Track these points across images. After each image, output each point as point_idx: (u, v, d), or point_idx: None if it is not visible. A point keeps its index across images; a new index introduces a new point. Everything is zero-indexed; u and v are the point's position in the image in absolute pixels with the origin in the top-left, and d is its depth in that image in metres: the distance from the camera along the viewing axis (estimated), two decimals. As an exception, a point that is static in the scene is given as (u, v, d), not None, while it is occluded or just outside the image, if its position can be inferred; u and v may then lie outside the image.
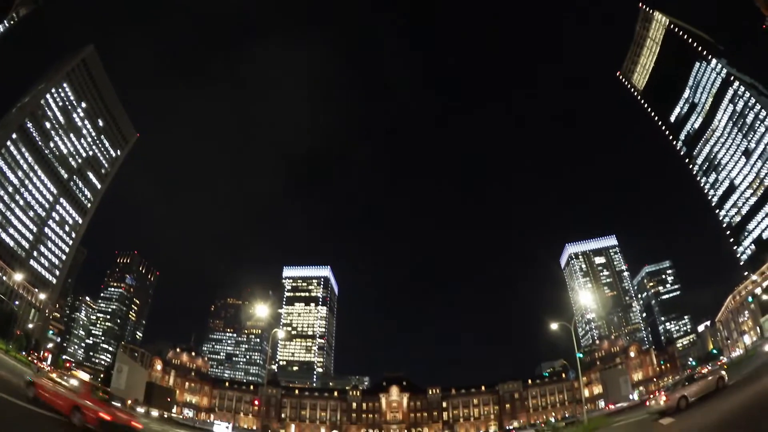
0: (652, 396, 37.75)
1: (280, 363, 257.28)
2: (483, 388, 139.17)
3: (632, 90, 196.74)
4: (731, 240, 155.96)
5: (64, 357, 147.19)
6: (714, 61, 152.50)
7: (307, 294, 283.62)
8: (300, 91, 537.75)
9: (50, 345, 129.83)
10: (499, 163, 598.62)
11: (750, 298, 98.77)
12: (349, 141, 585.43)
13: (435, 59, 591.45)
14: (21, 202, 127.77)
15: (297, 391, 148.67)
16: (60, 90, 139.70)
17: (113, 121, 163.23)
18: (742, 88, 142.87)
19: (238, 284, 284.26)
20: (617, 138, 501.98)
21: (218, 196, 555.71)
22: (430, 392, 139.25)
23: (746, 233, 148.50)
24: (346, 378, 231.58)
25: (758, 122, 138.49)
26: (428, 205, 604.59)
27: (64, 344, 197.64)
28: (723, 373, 25.54)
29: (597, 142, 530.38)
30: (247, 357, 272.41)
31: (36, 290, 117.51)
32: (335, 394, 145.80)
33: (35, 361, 68.59)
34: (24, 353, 71.68)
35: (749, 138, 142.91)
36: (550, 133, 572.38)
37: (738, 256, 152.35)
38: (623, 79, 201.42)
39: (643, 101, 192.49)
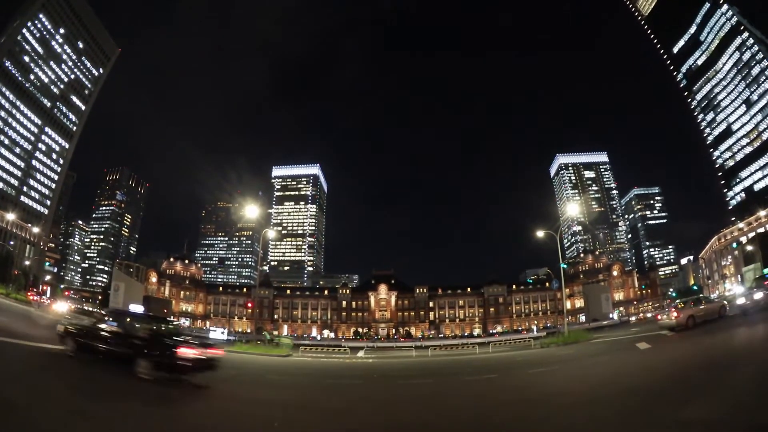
0: (662, 311, 39.30)
1: (272, 263, 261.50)
2: (469, 289, 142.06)
3: (636, 14, 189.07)
4: (722, 182, 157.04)
5: (62, 286, 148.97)
6: (725, 6, 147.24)
7: (296, 193, 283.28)
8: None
9: (48, 277, 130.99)
10: (498, 76, 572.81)
11: (735, 245, 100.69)
12: (338, 40, 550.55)
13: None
14: (6, 141, 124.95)
15: (288, 291, 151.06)
16: (36, 21, 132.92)
17: (93, 41, 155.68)
18: (752, 40, 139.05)
19: (227, 187, 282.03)
20: (618, 60, 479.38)
21: (205, 102, 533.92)
22: (418, 291, 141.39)
23: (738, 180, 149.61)
24: (335, 276, 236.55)
25: (763, 77, 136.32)
26: (424, 107, 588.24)
27: (61, 273, 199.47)
28: (725, 302, 26.99)
29: (598, 63, 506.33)
30: (240, 260, 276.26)
31: (29, 225, 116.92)
32: (325, 293, 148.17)
33: (34, 297, 67.93)
34: (23, 291, 70.96)
35: (752, 89, 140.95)
36: (549, 50, 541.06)
37: (727, 199, 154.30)
38: (628, 2, 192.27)
39: (646, 27, 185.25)
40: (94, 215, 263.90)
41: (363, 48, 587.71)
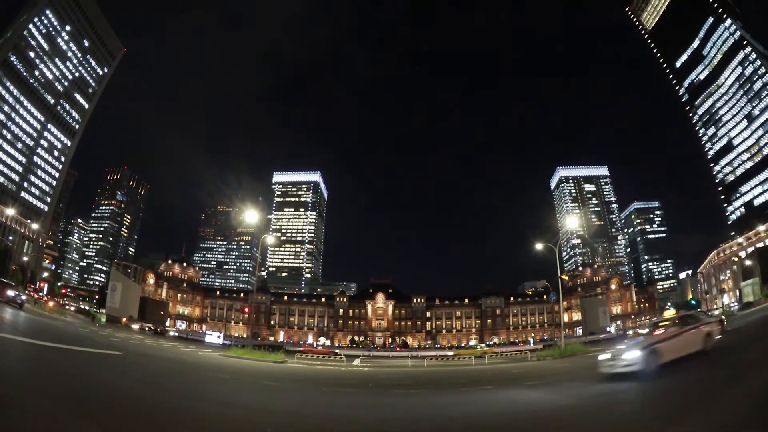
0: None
1: (270, 269, 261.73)
2: (466, 300, 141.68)
3: (640, 28, 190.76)
4: (722, 197, 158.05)
5: (59, 284, 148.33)
6: (728, 21, 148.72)
7: (296, 199, 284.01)
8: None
9: (45, 274, 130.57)
10: (501, 85, 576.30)
11: (734, 259, 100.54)
12: (340, 46, 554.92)
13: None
14: (8, 136, 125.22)
15: (286, 298, 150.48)
16: (43, 17, 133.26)
17: (99, 40, 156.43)
18: (754, 55, 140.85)
19: (228, 191, 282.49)
20: (621, 74, 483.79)
21: (207, 105, 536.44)
22: (415, 301, 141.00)
23: (738, 194, 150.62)
24: (333, 284, 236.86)
25: (765, 92, 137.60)
26: (425, 116, 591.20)
27: (59, 270, 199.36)
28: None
29: (601, 76, 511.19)
30: (238, 264, 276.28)
31: (29, 221, 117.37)
32: (323, 300, 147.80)
33: (31, 293, 67.97)
34: (21, 287, 70.68)
35: (754, 104, 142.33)
36: (551, 61, 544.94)
37: (727, 214, 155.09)
38: (632, 16, 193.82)
39: (650, 41, 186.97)
40: (93, 214, 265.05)
41: (365, 54, 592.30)
